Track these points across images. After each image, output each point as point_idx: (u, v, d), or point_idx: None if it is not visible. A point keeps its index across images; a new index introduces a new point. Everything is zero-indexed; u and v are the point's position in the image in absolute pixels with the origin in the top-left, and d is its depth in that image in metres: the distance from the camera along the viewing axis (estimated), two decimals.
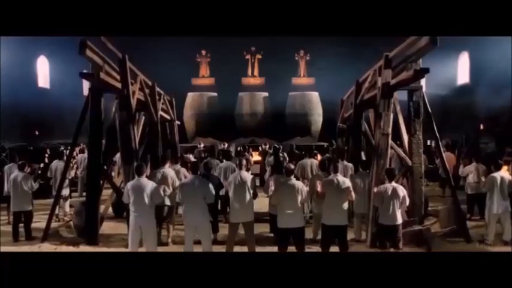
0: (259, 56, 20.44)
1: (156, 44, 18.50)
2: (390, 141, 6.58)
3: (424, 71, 5.84)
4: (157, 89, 9.50)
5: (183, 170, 7.93)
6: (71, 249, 6.50)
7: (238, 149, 13.36)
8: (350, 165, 8.18)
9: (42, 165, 12.09)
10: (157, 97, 9.35)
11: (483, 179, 6.94)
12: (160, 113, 9.87)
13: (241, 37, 18.65)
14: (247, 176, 5.64)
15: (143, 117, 9.21)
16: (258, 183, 12.68)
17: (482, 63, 14.48)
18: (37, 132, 13.83)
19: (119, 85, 6.66)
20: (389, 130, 6.47)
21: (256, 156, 16.63)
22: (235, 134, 19.20)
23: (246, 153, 11.58)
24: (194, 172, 5.62)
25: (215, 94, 19.79)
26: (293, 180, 5.39)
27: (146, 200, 5.30)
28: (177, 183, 6.70)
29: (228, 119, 19.29)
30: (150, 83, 8.87)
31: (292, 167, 5.54)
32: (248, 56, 20.47)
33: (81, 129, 6.70)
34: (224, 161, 8.54)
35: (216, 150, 17.39)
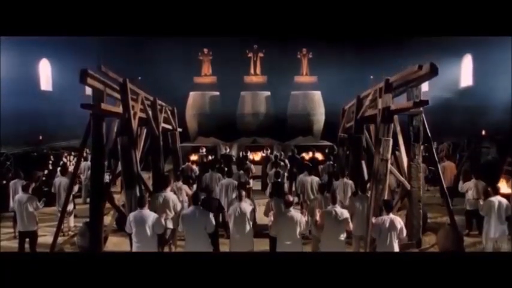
0: (261, 54, 20.32)
1: (158, 42, 18.42)
2: (389, 165, 6.63)
3: (423, 103, 5.86)
4: (159, 101, 9.53)
5: (185, 187, 8.08)
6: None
7: (241, 154, 13.42)
8: (350, 182, 8.25)
9: (46, 171, 12.26)
10: (158, 109, 9.38)
11: (481, 202, 6.98)
12: (162, 125, 9.94)
13: (243, 37, 18.70)
14: (247, 208, 5.75)
15: (145, 130, 9.27)
16: (259, 187, 12.96)
17: (485, 66, 14.38)
18: (41, 137, 13.93)
19: (120, 110, 6.71)
20: (389, 156, 6.52)
21: (257, 157, 16.84)
22: (237, 133, 19.27)
23: (248, 162, 11.64)
24: (195, 202, 5.71)
25: (217, 93, 19.74)
26: (292, 212, 5.49)
27: (148, 231, 5.45)
28: (179, 206, 6.85)
29: (230, 118, 19.30)
30: (151, 98, 8.90)
31: (291, 199, 5.63)
32: (250, 54, 20.36)
33: (83, 155, 6.76)
34: (226, 177, 8.63)
35: (218, 151, 17.59)
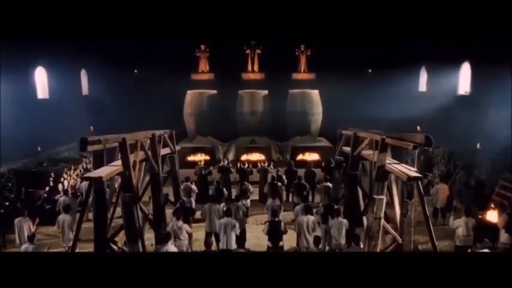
0: (258, 51, 20.01)
1: (156, 39, 18.09)
2: (383, 221, 6.88)
3: (416, 178, 6.04)
4: (157, 133, 9.59)
5: (186, 227, 8.37)
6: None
7: (239, 165, 13.62)
8: (345, 221, 8.53)
9: (47, 188, 12.49)
10: (157, 142, 9.46)
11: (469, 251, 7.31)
12: (162, 153, 10.10)
13: (241, 36, 18.33)
14: None
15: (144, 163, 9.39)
16: (257, 197, 13.24)
17: (483, 74, 14.28)
18: (39, 149, 14.02)
19: (120, 169, 6.86)
20: (382, 214, 6.76)
21: (255, 157, 17.07)
22: (235, 133, 19.36)
23: (246, 182, 11.88)
24: None
25: (215, 92, 19.58)
26: None
27: None
28: None
29: (228, 118, 19.29)
30: (150, 136, 8.97)
31: None
32: (248, 51, 20.04)
33: (82, 221, 6.92)
34: (225, 217, 8.86)
35: (215, 152, 17.79)
